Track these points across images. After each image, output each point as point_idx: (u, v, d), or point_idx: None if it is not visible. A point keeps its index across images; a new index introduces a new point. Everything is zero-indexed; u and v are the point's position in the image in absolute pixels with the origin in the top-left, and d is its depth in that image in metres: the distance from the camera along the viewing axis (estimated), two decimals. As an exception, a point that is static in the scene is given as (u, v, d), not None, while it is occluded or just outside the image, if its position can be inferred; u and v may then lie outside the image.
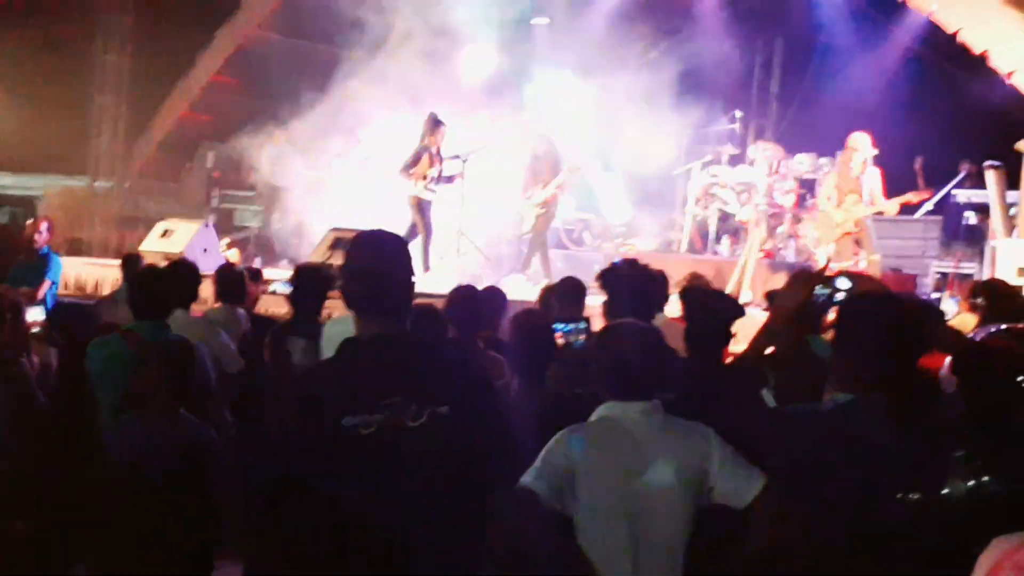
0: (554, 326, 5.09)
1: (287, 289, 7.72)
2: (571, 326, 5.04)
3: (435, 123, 12.35)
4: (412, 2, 14.73)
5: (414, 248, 12.10)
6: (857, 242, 13.60)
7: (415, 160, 12.22)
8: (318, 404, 3.07)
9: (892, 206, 12.02)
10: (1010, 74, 9.62)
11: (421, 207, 12.31)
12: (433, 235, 12.44)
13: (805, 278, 3.86)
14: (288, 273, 12.15)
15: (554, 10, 16.20)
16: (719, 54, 16.08)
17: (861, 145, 11.96)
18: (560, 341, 5.11)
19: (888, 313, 3.40)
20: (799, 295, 3.81)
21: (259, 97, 15.44)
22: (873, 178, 11.98)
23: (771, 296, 6.49)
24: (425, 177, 12.21)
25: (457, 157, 12.47)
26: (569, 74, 15.96)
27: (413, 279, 3.37)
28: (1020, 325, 3.90)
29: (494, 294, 7.13)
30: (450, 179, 12.54)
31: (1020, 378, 3.43)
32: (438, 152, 12.32)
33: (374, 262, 3.27)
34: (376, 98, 14.51)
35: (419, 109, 13.14)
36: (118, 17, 16.79)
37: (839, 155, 12.44)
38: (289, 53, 15.65)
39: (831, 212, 12.16)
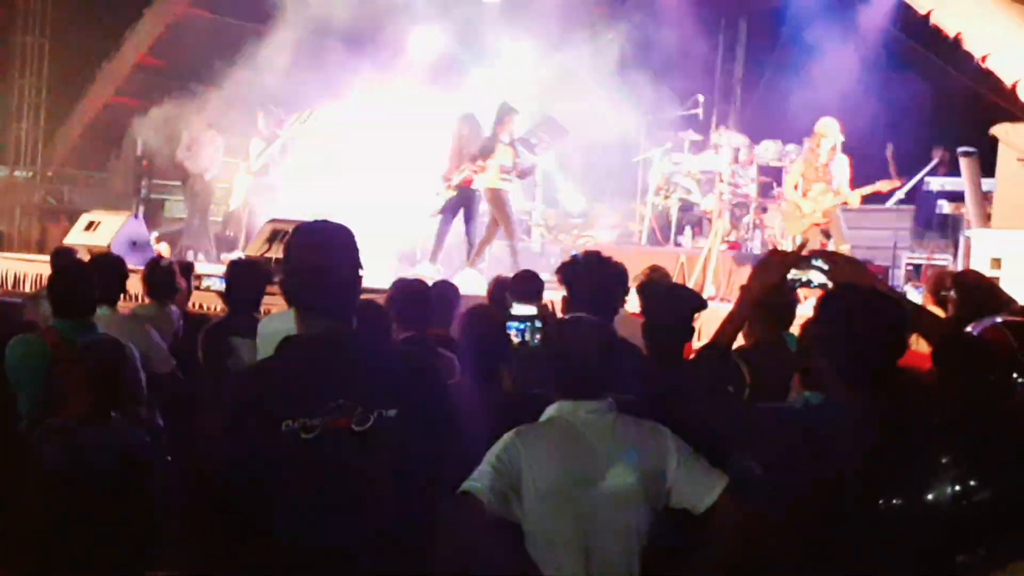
0: (508, 323, 5.07)
1: (222, 285, 7.66)
2: (525, 323, 5.03)
3: (508, 110, 12.36)
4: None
5: (499, 246, 12.35)
6: (826, 233, 13.73)
7: (485, 151, 12.20)
8: (255, 407, 3.04)
9: (857, 195, 12.10)
10: (984, 57, 9.71)
11: (501, 199, 12.34)
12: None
13: (778, 259, 3.83)
14: (222, 268, 12.21)
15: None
16: (680, 36, 16.14)
17: (829, 131, 12.01)
18: (515, 339, 5.10)
19: (871, 310, 3.39)
20: (771, 278, 3.79)
21: (190, 80, 15.30)
22: (841, 166, 12.04)
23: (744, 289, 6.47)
24: (501, 167, 12.20)
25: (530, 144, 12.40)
26: (521, 56, 15.94)
27: (360, 273, 3.31)
28: (1014, 318, 3.90)
29: (445, 289, 7.12)
30: (530, 170, 12.78)
31: (1015, 375, 3.45)
32: (511, 141, 12.29)
33: (316, 255, 3.22)
34: (313, 80, 14.47)
35: (357, 92, 13.16)
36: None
37: (806, 142, 12.49)
38: (221, 33, 15.51)
39: (798, 201, 12.21)
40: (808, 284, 3.82)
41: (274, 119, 13.76)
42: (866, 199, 12.18)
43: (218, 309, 8.27)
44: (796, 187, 12.22)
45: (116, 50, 16.48)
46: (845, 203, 12.01)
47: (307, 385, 3.06)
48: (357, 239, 3.32)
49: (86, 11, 16.12)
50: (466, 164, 12.34)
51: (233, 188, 14.12)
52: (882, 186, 12.14)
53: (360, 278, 3.31)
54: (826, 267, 3.76)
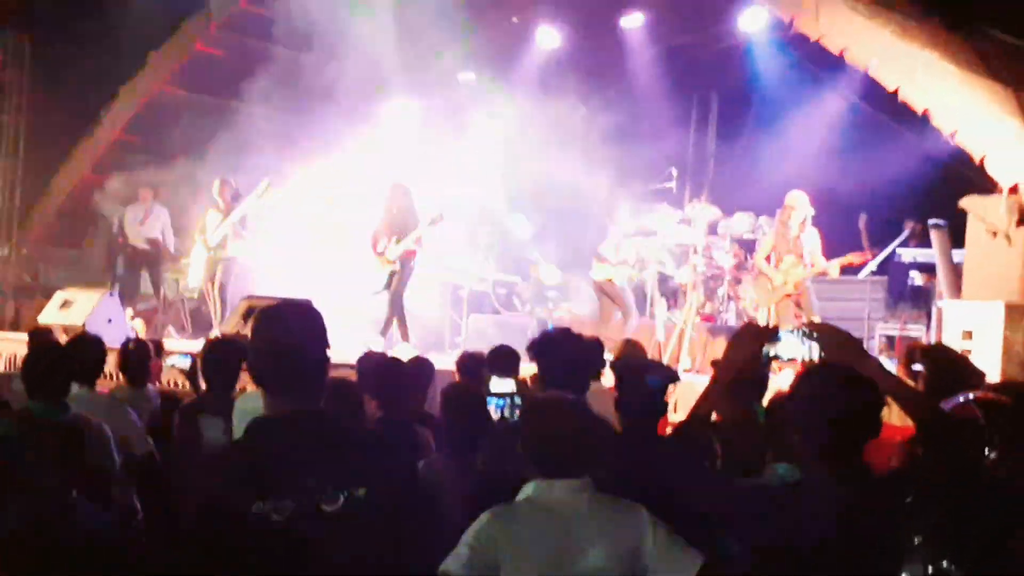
0: (488, 399, 5.09)
1: (184, 363, 7.65)
2: (505, 399, 5.05)
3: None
4: (332, 56, 14.78)
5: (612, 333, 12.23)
6: (797, 304, 13.82)
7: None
8: (226, 491, 3.04)
9: (833, 267, 12.22)
10: (953, 133, 9.85)
11: (614, 288, 12.57)
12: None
13: (752, 334, 3.88)
14: (187, 345, 12.18)
15: (481, 65, 16.36)
16: (653, 110, 16.34)
17: (799, 203, 12.18)
18: (494, 415, 5.11)
19: (846, 390, 3.42)
20: (745, 352, 3.83)
21: (166, 156, 15.38)
22: (812, 238, 12.19)
23: (716, 365, 6.53)
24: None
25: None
26: (497, 132, 16.11)
27: (328, 353, 3.34)
28: (983, 394, 3.95)
29: (421, 365, 7.14)
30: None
31: (986, 450, 3.49)
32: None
33: (284, 336, 3.25)
34: (290, 155, 14.60)
35: (338, 162, 13.28)
36: (14, 75, 16.67)
37: (777, 214, 12.63)
38: (198, 109, 15.62)
39: (769, 273, 12.34)
40: (778, 358, 3.86)
41: (231, 191, 13.69)
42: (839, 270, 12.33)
43: (183, 386, 8.23)
44: (768, 259, 12.35)
45: (93, 127, 16.55)
46: (823, 273, 12.13)
47: (277, 467, 3.07)
48: (325, 316, 3.36)
49: (64, 89, 16.21)
50: (403, 236, 12.42)
51: (191, 263, 14.06)
52: (854, 258, 12.27)
53: (328, 358, 3.33)
54: (815, 340, 3.79)
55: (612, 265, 12.94)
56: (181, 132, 15.26)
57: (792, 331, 3.82)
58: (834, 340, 3.83)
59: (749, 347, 3.78)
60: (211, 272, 13.62)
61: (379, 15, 13.95)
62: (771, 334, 3.85)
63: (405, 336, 12.58)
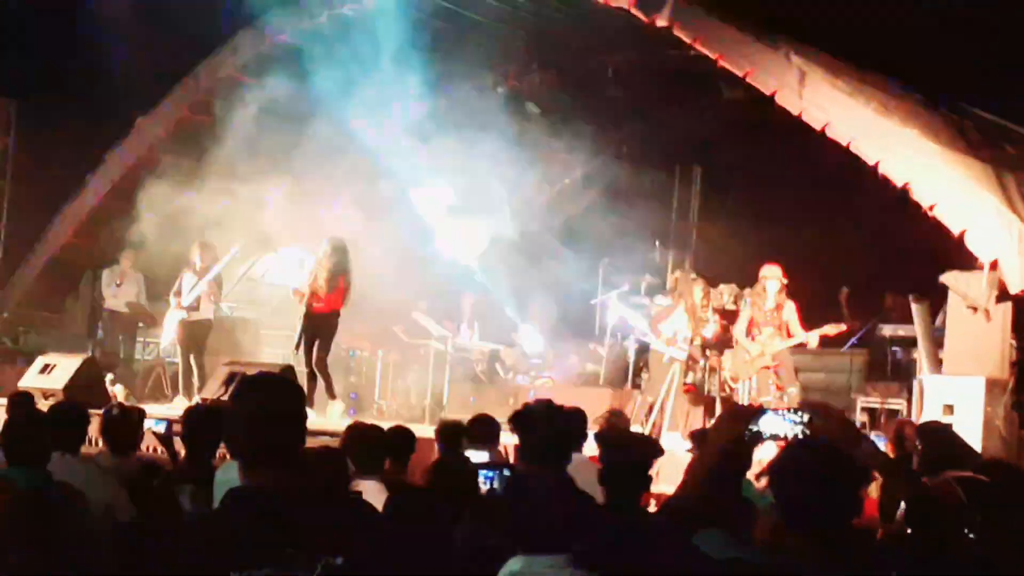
0: (479, 472, 5.09)
1: (160, 428, 7.62)
2: (494, 471, 5.04)
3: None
4: (318, 123, 14.90)
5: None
6: (777, 375, 13.88)
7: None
8: (202, 561, 3.03)
9: (812, 338, 12.29)
10: (932, 207, 9.95)
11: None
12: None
13: (737, 415, 3.91)
14: (164, 410, 12.13)
15: (466, 135, 16.48)
16: (636, 182, 16.46)
17: (772, 275, 12.33)
18: (483, 487, 5.10)
19: (828, 469, 3.43)
20: (731, 433, 3.84)
21: (148, 220, 15.39)
22: (789, 310, 12.29)
23: (696, 437, 6.56)
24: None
25: None
26: (482, 200, 16.22)
27: (304, 424, 3.36)
28: (962, 473, 3.98)
29: (402, 433, 7.12)
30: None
31: (966, 530, 3.50)
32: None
33: (258, 407, 3.26)
34: (273, 219, 14.67)
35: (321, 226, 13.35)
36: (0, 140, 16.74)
37: (755, 286, 12.76)
38: (183, 174, 15.65)
39: (747, 345, 12.42)
40: (761, 435, 3.88)
41: (210, 254, 13.70)
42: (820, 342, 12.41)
43: (160, 452, 8.20)
44: (749, 331, 12.44)
45: (78, 192, 16.57)
46: (803, 344, 12.20)
47: (254, 537, 3.06)
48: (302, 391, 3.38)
49: (49, 153, 16.26)
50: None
51: (165, 326, 14.01)
52: (830, 329, 12.33)
53: (303, 429, 3.35)
54: (807, 420, 3.81)
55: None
56: (166, 197, 15.28)
57: (779, 411, 3.85)
58: (827, 418, 3.86)
59: (734, 428, 3.80)
60: (185, 334, 13.57)
61: (369, 88, 14.05)
62: (755, 413, 3.88)
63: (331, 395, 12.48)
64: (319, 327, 12.44)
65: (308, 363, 12.32)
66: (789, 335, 12.27)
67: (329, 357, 12.63)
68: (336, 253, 12.53)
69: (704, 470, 3.87)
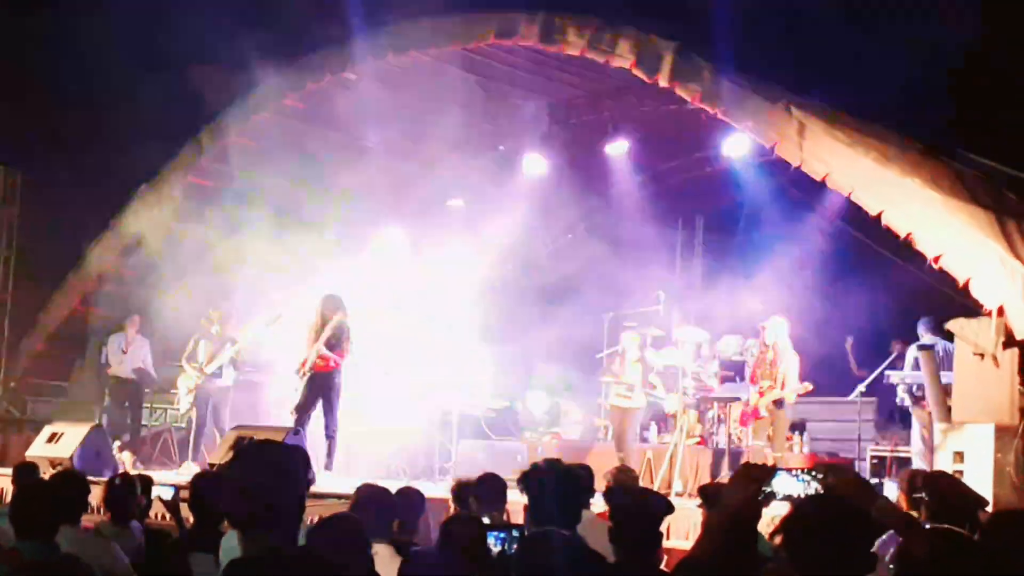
0: (489, 533, 5.05)
1: (167, 494, 7.59)
2: (504, 533, 5.00)
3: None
4: (320, 186, 14.97)
5: None
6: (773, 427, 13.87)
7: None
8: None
9: (788, 394, 12.28)
10: (937, 257, 9.97)
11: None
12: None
13: (751, 475, 3.87)
14: (172, 476, 12.08)
15: (468, 193, 16.55)
16: (639, 234, 16.50)
17: (770, 326, 12.35)
18: (495, 549, 5.06)
19: (838, 524, 3.41)
20: (745, 491, 3.81)
21: (155, 287, 15.44)
22: (788, 362, 12.27)
23: (705, 493, 6.50)
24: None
25: None
26: (480, 255, 16.26)
27: (304, 492, 3.33)
28: (954, 529, 3.95)
29: (410, 495, 7.08)
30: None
31: None
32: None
33: (255, 476, 3.23)
34: (278, 283, 14.70)
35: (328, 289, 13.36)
36: (5, 210, 16.80)
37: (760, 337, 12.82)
38: (190, 238, 15.70)
39: (750, 397, 12.46)
40: (775, 496, 3.85)
41: (226, 319, 13.73)
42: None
43: (168, 519, 8.15)
44: (753, 381, 12.47)
45: (83, 260, 16.63)
46: (780, 400, 12.20)
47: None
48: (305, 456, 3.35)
49: (54, 222, 16.33)
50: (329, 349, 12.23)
51: (180, 392, 13.99)
52: (806, 387, 12.38)
53: (303, 497, 3.32)
54: (821, 479, 3.79)
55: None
56: (172, 262, 15.33)
57: (793, 471, 3.82)
58: (841, 477, 3.84)
59: (747, 488, 3.77)
60: (203, 401, 13.56)
61: (368, 144, 14.15)
62: (769, 473, 3.85)
63: (328, 463, 12.23)
64: (321, 386, 12.30)
65: (300, 423, 12.06)
66: (783, 387, 12.28)
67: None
68: (326, 307, 12.47)
69: (719, 530, 3.82)
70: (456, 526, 5.19)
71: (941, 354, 12.86)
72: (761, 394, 12.37)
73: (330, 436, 12.26)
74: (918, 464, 12.53)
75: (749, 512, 3.74)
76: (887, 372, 13.10)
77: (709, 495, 6.17)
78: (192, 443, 13.58)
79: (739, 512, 3.79)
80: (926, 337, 13.35)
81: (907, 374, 12.50)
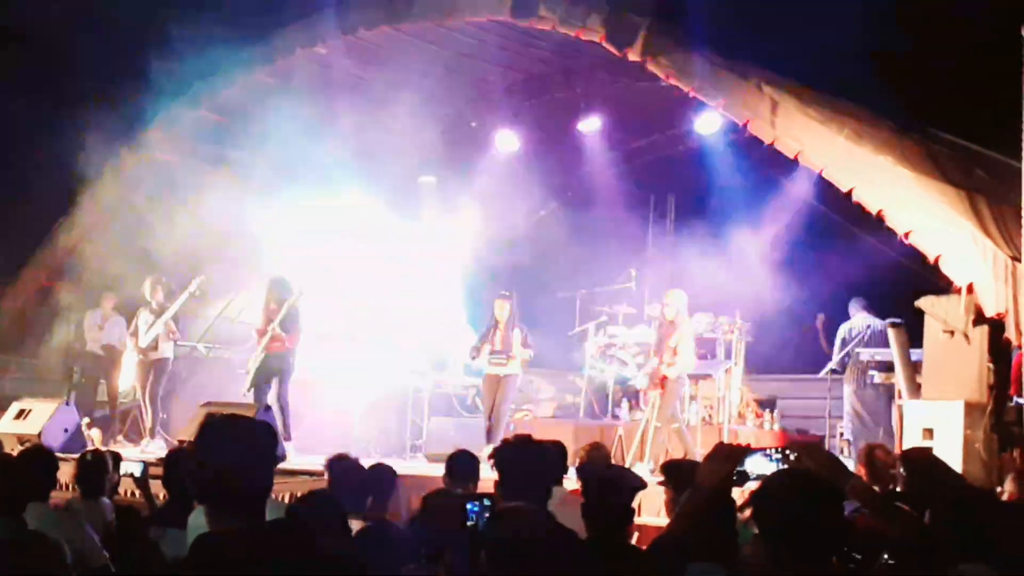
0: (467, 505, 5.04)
1: (136, 469, 7.56)
2: (477, 505, 4.99)
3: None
4: (287, 156, 14.87)
5: None
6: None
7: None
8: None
9: (669, 372, 12.27)
10: (907, 233, 10.00)
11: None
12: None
13: (724, 456, 3.87)
14: (138, 453, 12.03)
15: (440, 169, 16.51)
16: (611, 211, 16.51)
17: (669, 300, 12.39)
18: (470, 522, 5.05)
19: (807, 497, 3.41)
20: (719, 475, 3.81)
21: (123, 261, 15.33)
22: (677, 335, 12.31)
23: (667, 470, 6.36)
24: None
25: None
26: (458, 229, 16.23)
27: (272, 466, 3.31)
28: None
29: (383, 472, 7.08)
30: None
31: (885, 556, 3.49)
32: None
33: (220, 452, 3.21)
34: (239, 252, 14.65)
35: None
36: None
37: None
38: (154, 213, 15.58)
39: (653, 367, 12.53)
40: (747, 477, 3.86)
41: (164, 290, 13.61)
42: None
43: (137, 496, 8.11)
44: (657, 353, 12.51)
45: (49, 235, 16.49)
46: (664, 379, 12.23)
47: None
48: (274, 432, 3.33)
49: (21, 197, 16.17)
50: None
51: (123, 367, 13.85)
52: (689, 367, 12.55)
53: (270, 473, 3.30)
54: (794, 459, 3.80)
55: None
56: (137, 237, 15.22)
57: (768, 453, 3.82)
58: (814, 457, 3.85)
59: (722, 468, 3.77)
60: (143, 375, 13.45)
61: (339, 119, 14.05)
62: (743, 453, 3.85)
63: (287, 435, 12.29)
64: (274, 366, 12.39)
65: (260, 400, 12.18)
66: (672, 363, 12.31)
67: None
68: (276, 290, 12.54)
69: (694, 511, 3.83)
70: (437, 498, 5.19)
71: (869, 333, 13.08)
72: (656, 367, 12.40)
73: (283, 406, 12.34)
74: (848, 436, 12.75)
75: (723, 493, 3.75)
76: (857, 350, 13.18)
77: (671, 472, 6.11)
78: (144, 419, 13.44)
79: (712, 493, 3.80)
80: (858, 316, 13.55)
81: (876, 351, 12.59)
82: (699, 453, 12.28)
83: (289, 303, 12.35)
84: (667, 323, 12.47)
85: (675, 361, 12.17)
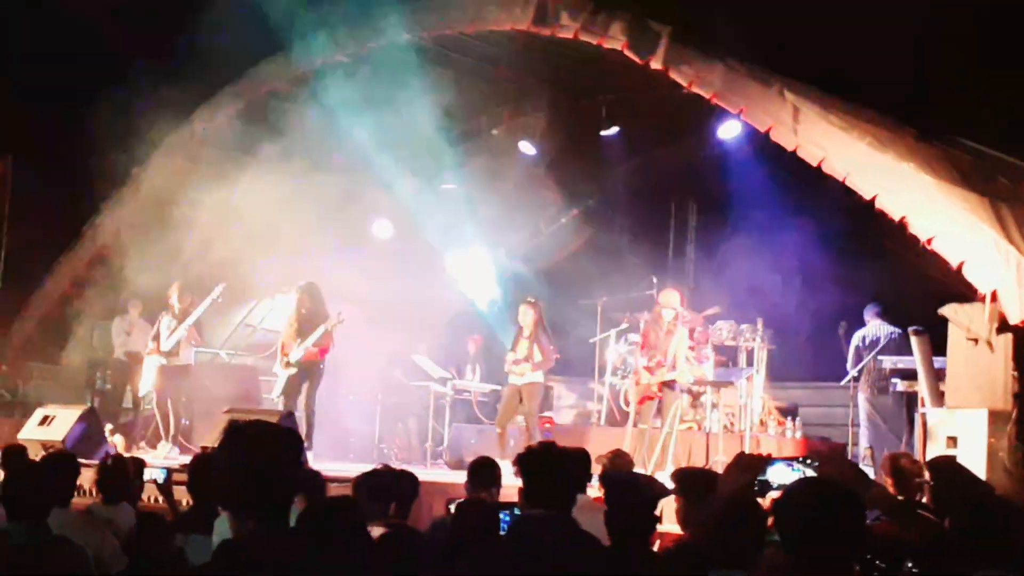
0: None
1: (160, 476, 7.58)
2: (508, 514, 5.01)
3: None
4: (311, 167, 14.90)
5: None
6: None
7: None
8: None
9: (683, 377, 12.42)
10: (929, 240, 9.94)
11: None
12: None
13: (746, 465, 3.86)
14: (164, 458, 12.04)
15: (461, 177, 16.51)
16: (632, 219, 16.48)
17: (667, 302, 12.33)
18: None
19: (828, 505, 3.38)
20: (739, 484, 3.80)
21: (145, 270, 15.39)
22: (679, 339, 12.26)
23: (679, 478, 6.25)
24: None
25: None
26: (479, 241, 16.24)
27: (295, 474, 3.31)
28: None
29: (405, 479, 7.06)
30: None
31: (909, 564, 3.46)
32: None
33: (246, 457, 3.21)
34: (266, 264, 14.68)
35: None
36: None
37: (652, 312, 12.79)
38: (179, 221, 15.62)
39: (640, 371, 12.49)
40: (769, 486, 3.85)
41: (189, 296, 13.59)
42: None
43: (160, 501, 8.13)
44: (639, 358, 12.44)
45: (75, 242, 16.56)
46: (672, 382, 12.20)
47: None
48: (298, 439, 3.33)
49: (45, 206, 16.25)
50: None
51: (144, 372, 13.88)
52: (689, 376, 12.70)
53: (293, 479, 3.30)
54: (812, 465, 3.79)
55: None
56: (160, 246, 15.27)
57: (790, 463, 3.81)
58: (836, 465, 3.83)
59: (741, 477, 3.76)
60: (164, 380, 13.46)
61: (357, 128, 14.07)
62: (764, 463, 3.84)
63: (307, 443, 12.21)
64: (304, 373, 12.39)
65: (288, 408, 12.14)
66: (673, 367, 12.24)
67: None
68: (307, 298, 12.52)
69: (713, 520, 3.81)
70: (470, 506, 5.18)
71: (885, 340, 13.02)
72: (650, 371, 12.32)
73: (309, 414, 12.33)
74: (866, 444, 12.68)
75: (743, 501, 3.73)
76: (880, 357, 13.10)
77: (684, 481, 6.04)
78: (163, 425, 13.45)
79: (730, 502, 3.78)
80: (872, 323, 13.50)
81: (899, 359, 12.51)
82: (720, 461, 12.24)
83: (326, 327, 12.30)
84: (657, 326, 12.38)
85: (678, 366, 12.15)
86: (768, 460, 3.85)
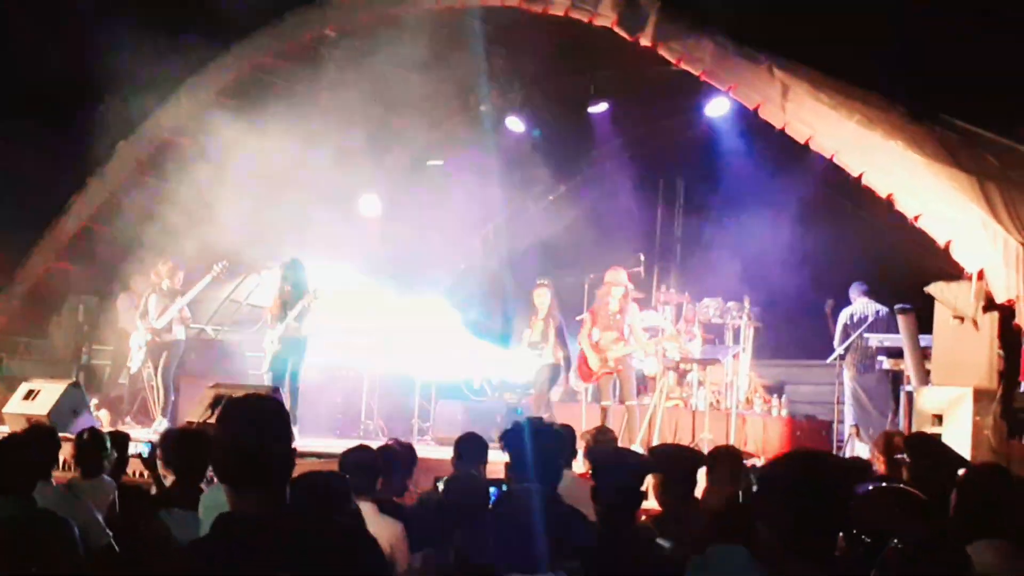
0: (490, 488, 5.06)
1: (144, 451, 7.57)
2: (495, 489, 5.02)
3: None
4: (298, 142, 14.84)
5: None
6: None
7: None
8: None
9: (647, 347, 12.56)
10: (916, 217, 9.94)
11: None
12: None
13: (729, 469, 3.85)
14: (149, 433, 12.02)
15: (448, 153, 16.47)
16: (619, 197, 16.46)
17: (617, 280, 12.34)
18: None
19: (814, 477, 3.38)
20: (730, 487, 3.80)
21: (132, 245, 15.35)
22: (632, 314, 12.29)
23: (657, 455, 6.15)
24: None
25: None
26: (462, 217, 16.20)
27: (293, 447, 3.31)
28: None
29: (397, 452, 7.07)
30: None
31: (895, 541, 3.47)
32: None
33: (246, 431, 3.21)
34: (254, 242, 14.63)
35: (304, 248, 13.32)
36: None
37: (599, 292, 12.75)
38: (165, 198, 15.56)
39: (586, 350, 12.42)
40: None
41: (178, 274, 13.56)
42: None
43: (146, 476, 8.11)
44: (589, 335, 12.42)
45: (59, 217, 16.48)
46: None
47: (241, 564, 3.03)
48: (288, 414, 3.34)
49: (28, 179, 16.15)
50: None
51: (132, 348, 13.85)
52: (668, 345, 12.80)
53: (291, 452, 3.30)
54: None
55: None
56: (148, 220, 15.22)
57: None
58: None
59: (734, 483, 3.77)
60: (155, 357, 13.43)
61: (346, 100, 14.01)
62: (746, 473, 3.85)
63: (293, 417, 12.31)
64: (287, 350, 12.39)
65: (275, 383, 12.15)
66: (629, 341, 12.27)
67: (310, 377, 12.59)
68: (291, 274, 12.52)
69: (700, 534, 3.83)
70: (461, 482, 5.19)
71: (873, 318, 13.07)
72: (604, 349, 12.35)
73: (294, 390, 12.38)
74: (851, 422, 12.76)
75: (736, 508, 3.73)
76: (866, 335, 13.15)
77: (661, 458, 6.01)
78: (157, 401, 13.43)
79: (718, 515, 3.78)
80: (859, 301, 13.55)
81: (885, 337, 12.56)
82: (707, 439, 12.28)
83: (304, 303, 12.32)
84: (605, 304, 12.46)
85: (630, 339, 12.25)
86: (751, 469, 3.85)
